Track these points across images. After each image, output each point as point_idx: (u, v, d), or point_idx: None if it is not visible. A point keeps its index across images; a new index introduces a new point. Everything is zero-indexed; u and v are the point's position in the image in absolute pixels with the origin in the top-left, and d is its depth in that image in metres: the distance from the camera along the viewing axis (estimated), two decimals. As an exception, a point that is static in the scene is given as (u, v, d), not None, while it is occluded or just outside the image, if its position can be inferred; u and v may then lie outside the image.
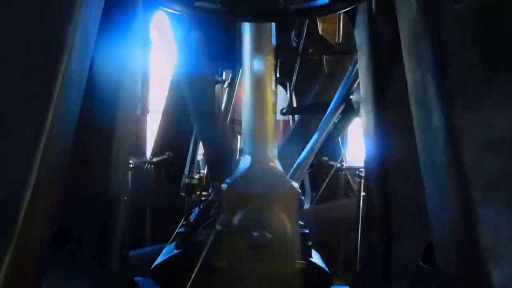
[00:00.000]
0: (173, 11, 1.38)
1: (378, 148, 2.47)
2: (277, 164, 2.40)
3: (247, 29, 2.15)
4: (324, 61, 5.76)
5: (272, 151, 2.33)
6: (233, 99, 6.42)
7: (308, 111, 5.39)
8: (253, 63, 2.19)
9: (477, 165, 1.42)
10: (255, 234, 2.09)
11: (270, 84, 2.35)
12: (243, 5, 1.26)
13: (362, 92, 2.52)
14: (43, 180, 1.50)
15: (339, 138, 5.63)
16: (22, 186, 1.38)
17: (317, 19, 5.72)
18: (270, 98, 2.38)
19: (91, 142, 2.23)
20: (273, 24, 2.17)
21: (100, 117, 2.22)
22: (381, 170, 2.50)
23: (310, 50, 5.37)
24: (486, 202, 1.40)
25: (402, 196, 2.42)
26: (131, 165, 4.18)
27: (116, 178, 2.40)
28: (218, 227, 2.23)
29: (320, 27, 6.21)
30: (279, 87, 7.55)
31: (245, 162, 2.36)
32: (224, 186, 2.25)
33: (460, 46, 1.48)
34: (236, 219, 2.08)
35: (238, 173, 2.33)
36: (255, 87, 2.29)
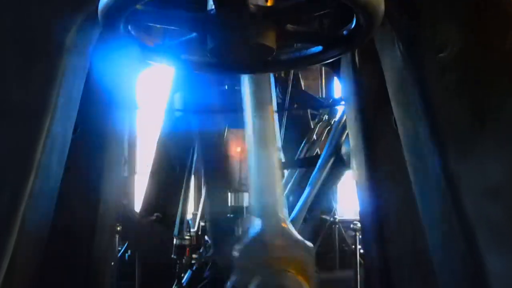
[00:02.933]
0: (160, 64, 1.37)
1: (373, 200, 2.42)
2: (289, 225, 2.29)
3: (245, 81, 2.16)
4: (309, 115, 5.85)
5: (283, 210, 2.24)
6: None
7: (298, 165, 5.37)
8: (254, 118, 2.18)
9: (479, 213, 1.38)
10: None
11: (274, 139, 2.30)
12: (236, 55, 1.25)
13: (351, 144, 2.51)
14: (21, 250, 1.41)
15: (330, 191, 5.59)
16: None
17: (300, 76, 5.88)
18: (275, 154, 2.33)
19: (75, 206, 2.14)
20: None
21: (86, 179, 2.14)
22: (377, 223, 2.43)
23: (295, 105, 5.47)
24: (493, 250, 1.34)
25: (401, 249, 2.35)
26: (118, 228, 4.06)
27: (102, 244, 2.28)
28: None
29: (303, 84, 6.37)
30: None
31: (255, 225, 2.23)
32: (235, 253, 2.11)
33: (448, 94, 1.49)
34: (252, 286, 1.93)
35: (250, 237, 2.20)
36: (259, 143, 2.24)
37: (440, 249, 1.56)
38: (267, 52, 1.19)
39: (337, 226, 5.70)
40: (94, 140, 2.12)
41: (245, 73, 1.48)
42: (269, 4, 1.17)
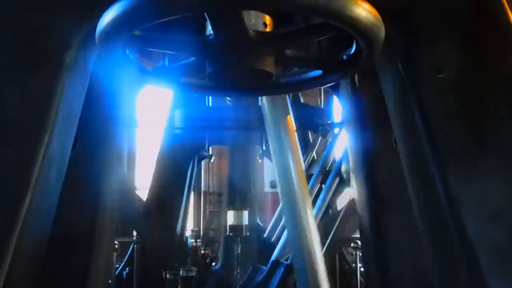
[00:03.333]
0: (159, 87, 1.36)
1: (374, 220, 2.39)
2: None
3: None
4: (309, 133, 5.85)
5: None
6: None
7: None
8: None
9: (482, 237, 1.35)
10: None
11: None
12: (234, 80, 1.24)
13: (351, 163, 2.50)
14: (17, 267, 1.39)
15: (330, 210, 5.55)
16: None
17: (299, 93, 5.87)
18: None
19: (74, 221, 2.11)
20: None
21: (85, 195, 2.13)
22: (378, 243, 2.40)
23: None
24: (497, 275, 1.31)
25: (402, 269, 2.32)
26: (116, 246, 4.01)
27: (100, 259, 2.25)
28: None
29: (302, 100, 6.37)
30: (266, 160, 7.59)
31: None
32: None
33: (448, 115, 1.48)
34: None
35: None
36: None
37: (442, 273, 1.53)
38: (266, 77, 1.17)
39: (337, 244, 5.63)
40: (93, 156, 2.11)
41: (244, 96, 1.47)
42: (268, 30, 1.16)
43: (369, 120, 2.27)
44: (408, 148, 1.63)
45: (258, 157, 7.69)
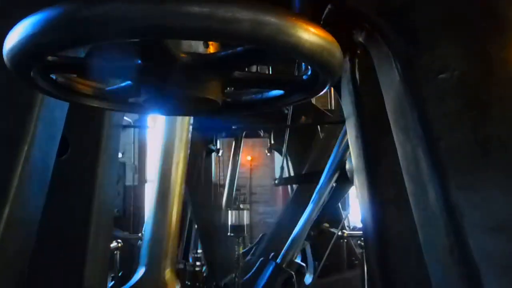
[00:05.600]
0: (107, 108, 1.26)
1: (375, 220, 2.32)
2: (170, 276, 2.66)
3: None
4: (319, 129, 5.76)
5: (169, 263, 2.74)
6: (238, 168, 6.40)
7: (300, 181, 5.26)
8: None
9: (483, 250, 1.27)
10: None
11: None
12: (173, 109, 1.14)
13: (354, 162, 2.42)
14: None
15: (339, 204, 5.48)
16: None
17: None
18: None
19: (67, 226, 2.08)
20: None
21: (78, 198, 2.10)
22: (381, 244, 2.34)
23: (303, 118, 5.38)
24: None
25: (404, 273, 2.25)
26: (119, 245, 3.98)
27: (95, 262, 2.22)
28: None
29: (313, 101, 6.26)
30: (277, 154, 7.52)
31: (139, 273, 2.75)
32: None
33: (448, 120, 1.39)
34: None
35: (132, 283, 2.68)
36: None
37: (442, 285, 1.46)
38: (210, 104, 1.00)
39: (345, 240, 5.57)
40: (86, 159, 2.07)
41: (197, 116, 1.35)
42: (211, 50, 1.00)
43: (371, 120, 2.18)
44: (407, 153, 1.54)
45: (267, 151, 7.63)
